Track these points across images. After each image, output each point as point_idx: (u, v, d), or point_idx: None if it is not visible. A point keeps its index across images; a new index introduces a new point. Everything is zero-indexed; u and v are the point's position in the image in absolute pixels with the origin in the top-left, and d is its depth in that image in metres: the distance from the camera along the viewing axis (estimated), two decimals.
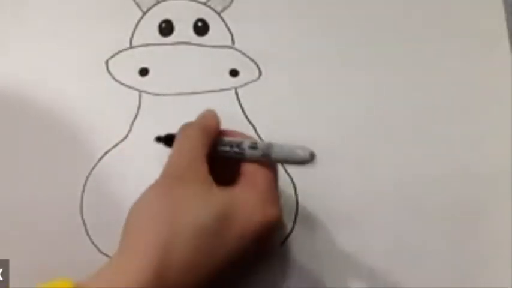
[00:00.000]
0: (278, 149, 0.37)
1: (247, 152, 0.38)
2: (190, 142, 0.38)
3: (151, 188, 0.36)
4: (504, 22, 0.49)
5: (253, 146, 0.38)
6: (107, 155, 0.45)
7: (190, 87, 0.47)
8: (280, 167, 0.44)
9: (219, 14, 0.49)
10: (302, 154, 0.36)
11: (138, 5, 0.49)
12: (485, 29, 0.49)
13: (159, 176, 0.37)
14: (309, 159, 0.36)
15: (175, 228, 0.34)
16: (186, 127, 0.39)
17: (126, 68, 0.47)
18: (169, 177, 0.37)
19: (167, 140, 0.40)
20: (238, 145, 0.38)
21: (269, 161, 0.38)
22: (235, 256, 0.35)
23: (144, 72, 0.47)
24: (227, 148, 0.39)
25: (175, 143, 0.39)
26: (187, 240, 0.33)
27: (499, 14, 0.49)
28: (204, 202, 0.35)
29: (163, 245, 0.33)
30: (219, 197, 0.35)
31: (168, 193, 0.35)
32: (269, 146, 0.38)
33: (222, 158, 0.39)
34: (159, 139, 0.43)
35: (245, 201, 0.36)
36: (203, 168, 0.36)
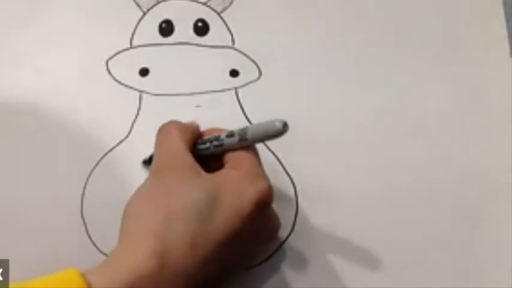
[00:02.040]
0: (252, 128, 0.38)
1: (225, 141, 0.39)
2: (170, 137, 0.39)
3: (144, 182, 0.38)
4: (504, 24, 0.49)
5: (230, 135, 0.39)
6: (108, 155, 0.45)
7: (191, 87, 0.47)
8: (280, 168, 0.45)
9: (219, 14, 0.49)
10: (275, 126, 0.36)
11: (138, 5, 0.49)
12: (485, 31, 0.49)
13: (148, 174, 0.39)
14: (282, 130, 0.36)
15: (170, 214, 0.35)
16: (163, 126, 0.41)
17: (126, 68, 0.47)
18: (158, 170, 0.38)
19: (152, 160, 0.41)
20: (217, 138, 0.39)
21: (248, 143, 0.38)
22: (234, 237, 0.35)
23: (144, 72, 0.47)
24: (207, 145, 0.40)
25: (156, 142, 0.40)
26: (182, 223, 0.35)
27: (499, 16, 0.49)
28: (194, 186, 0.36)
29: (161, 230, 0.34)
30: (207, 179, 0.37)
31: (160, 183, 0.37)
32: (244, 129, 0.38)
33: (205, 157, 0.40)
34: (145, 162, 0.44)
35: (232, 180, 0.37)
36: (188, 156, 0.38)
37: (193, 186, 0.36)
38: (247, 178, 0.37)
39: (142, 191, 0.38)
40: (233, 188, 0.36)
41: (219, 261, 0.36)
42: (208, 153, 0.40)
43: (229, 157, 0.39)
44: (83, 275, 0.32)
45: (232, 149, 0.39)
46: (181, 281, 0.34)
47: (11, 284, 0.34)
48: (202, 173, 0.37)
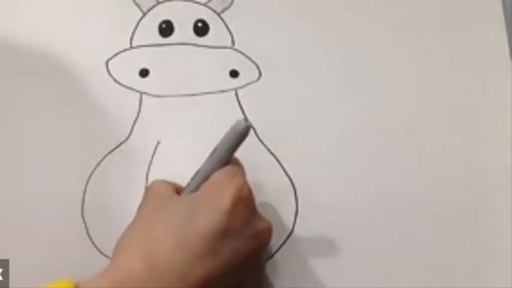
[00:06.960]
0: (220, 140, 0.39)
1: (201, 166, 0.39)
2: (154, 190, 0.40)
3: None
4: (504, 27, 0.49)
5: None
6: (108, 156, 0.45)
7: (191, 88, 0.47)
8: (280, 170, 0.45)
9: (219, 14, 0.49)
10: (238, 128, 0.37)
11: (138, 5, 0.49)
12: (485, 33, 0.49)
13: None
14: (244, 130, 0.37)
15: (152, 224, 0.37)
16: (148, 186, 0.42)
17: (126, 68, 0.47)
18: (143, 210, 0.40)
19: None
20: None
21: (220, 155, 0.39)
22: (218, 233, 0.36)
23: (144, 73, 0.47)
24: (190, 181, 0.40)
25: (143, 196, 0.41)
26: (164, 226, 0.37)
27: (498, 19, 0.49)
28: (174, 199, 0.39)
29: (145, 237, 0.37)
30: (187, 196, 0.39)
31: (144, 216, 0.39)
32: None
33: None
34: None
35: (211, 184, 0.38)
36: (171, 191, 0.40)
37: (173, 199, 0.38)
38: (225, 178, 0.38)
39: (128, 228, 0.39)
40: (212, 188, 0.38)
41: (210, 260, 0.36)
42: (191, 188, 0.40)
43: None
44: (76, 284, 0.34)
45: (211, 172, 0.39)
46: (174, 280, 0.35)
47: None
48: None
